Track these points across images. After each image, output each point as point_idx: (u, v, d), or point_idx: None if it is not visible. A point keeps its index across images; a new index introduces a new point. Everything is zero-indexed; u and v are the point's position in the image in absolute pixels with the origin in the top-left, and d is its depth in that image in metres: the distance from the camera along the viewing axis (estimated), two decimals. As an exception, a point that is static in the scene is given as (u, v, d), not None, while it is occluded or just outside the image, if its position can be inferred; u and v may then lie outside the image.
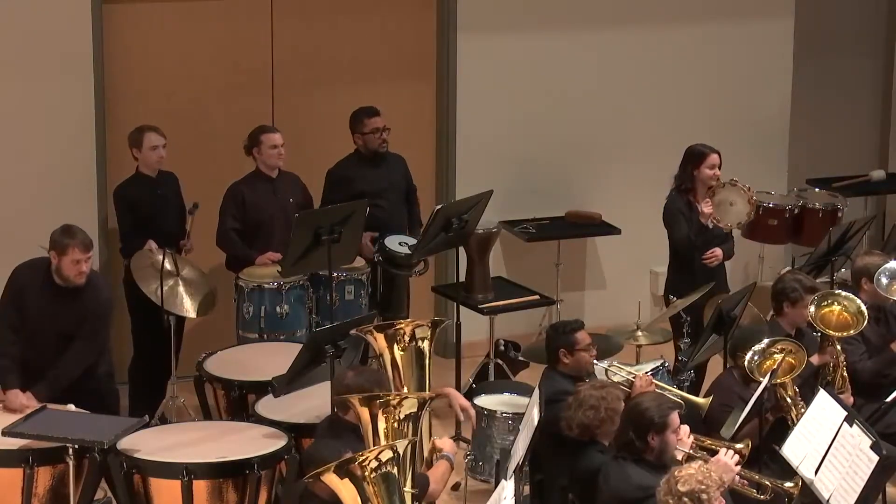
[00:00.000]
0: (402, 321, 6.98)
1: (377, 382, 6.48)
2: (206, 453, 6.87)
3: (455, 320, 9.12)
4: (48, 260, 7.61)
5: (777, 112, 10.87)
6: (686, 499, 5.46)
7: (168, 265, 8.50)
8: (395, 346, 6.85)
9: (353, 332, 7.45)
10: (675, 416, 6.35)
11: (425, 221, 9.03)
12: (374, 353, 9.19)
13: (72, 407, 7.38)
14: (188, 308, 8.56)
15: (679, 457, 6.40)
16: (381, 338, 6.86)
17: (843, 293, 7.88)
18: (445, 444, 6.58)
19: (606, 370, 7.50)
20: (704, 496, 5.46)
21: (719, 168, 8.90)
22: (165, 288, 8.40)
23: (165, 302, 8.42)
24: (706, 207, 8.82)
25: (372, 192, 9.15)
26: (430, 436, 6.89)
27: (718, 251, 8.88)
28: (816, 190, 10.65)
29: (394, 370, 6.92)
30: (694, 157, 8.93)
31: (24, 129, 9.21)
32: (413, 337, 6.86)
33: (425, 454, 6.71)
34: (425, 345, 6.91)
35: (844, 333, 7.72)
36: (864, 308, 7.76)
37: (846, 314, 7.79)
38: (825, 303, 7.79)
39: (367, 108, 9.32)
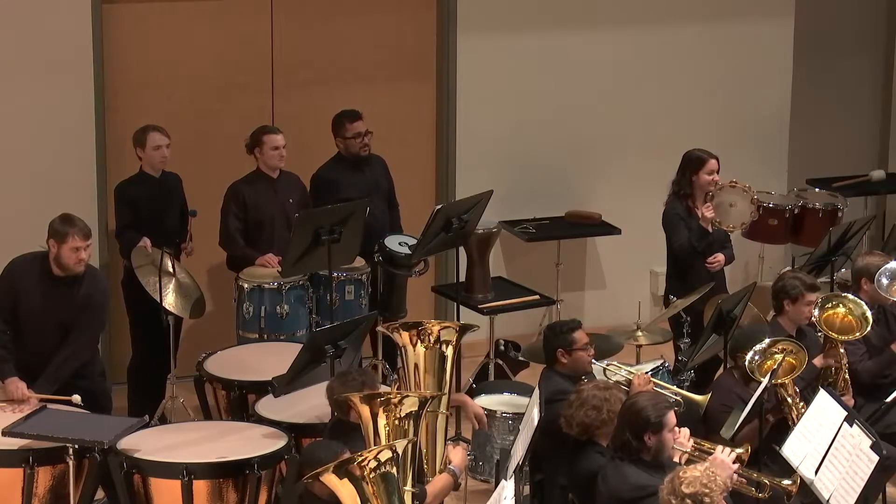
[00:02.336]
0: (430, 321, 6.95)
1: (362, 384, 6.48)
2: (206, 453, 6.86)
3: (455, 320, 9.12)
4: (44, 253, 7.61)
5: (777, 112, 10.88)
6: (689, 500, 5.46)
7: (166, 264, 8.51)
8: (419, 345, 6.83)
9: (379, 328, 7.42)
10: (671, 416, 6.34)
11: (426, 221, 9.02)
12: (374, 355, 9.26)
13: (77, 398, 7.38)
14: (181, 308, 8.57)
15: (677, 457, 6.40)
16: (405, 335, 6.84)
17: (850, 296, 7.88)
18: (456, 456, 6.57)
19: (605, 369, 7.51)
20: (707, 500, 5.46)
21: (717, 173, 8.91)
22: (161, 287, 8.43)
23: (161, 299, 8.44)
24: (707, 212, 8.82)
25: (358, 195, 9.15)
26: (446, 441, 6.88)
27: (721, 256, 8.90)
28: (816, 190, 10.65)
29: (414, 369, 6.91)
30: (692, 163, 8.93)
31: (25, 129, 9.21)
32: (438, 339, 6.85)
33: (438, 461, 6.70)
34: (449, 349, 6.89)
35: (848, 337, 7.71)
36: (868, 314, 7.75)
37: (850, 317, 7.79)
38: (829, 304, 7.79)
39: (349, 111, 9.32)
